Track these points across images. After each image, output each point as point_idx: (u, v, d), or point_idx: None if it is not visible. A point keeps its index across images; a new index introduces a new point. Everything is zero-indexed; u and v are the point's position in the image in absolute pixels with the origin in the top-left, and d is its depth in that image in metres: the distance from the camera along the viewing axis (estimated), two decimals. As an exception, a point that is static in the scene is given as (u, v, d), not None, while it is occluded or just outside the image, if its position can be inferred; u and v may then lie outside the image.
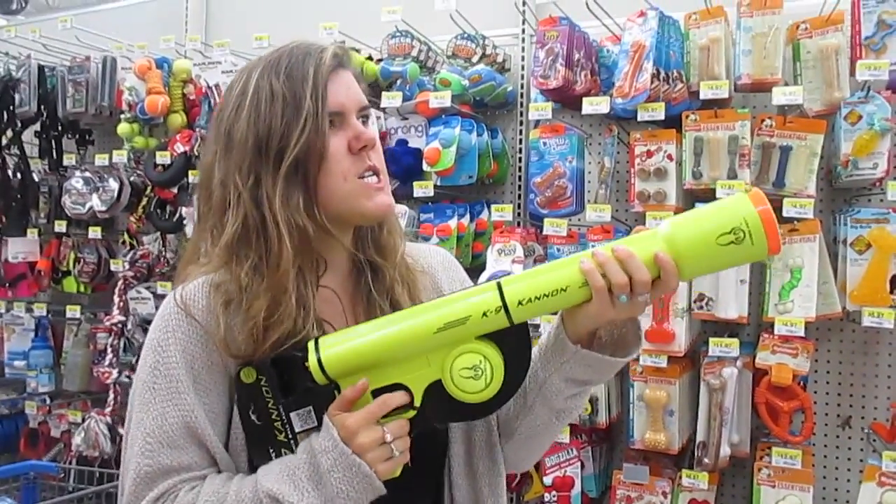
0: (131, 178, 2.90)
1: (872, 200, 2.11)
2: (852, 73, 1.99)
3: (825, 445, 2.22)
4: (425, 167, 2.44)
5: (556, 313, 0.99)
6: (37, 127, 3.10)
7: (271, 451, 0.95)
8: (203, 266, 1.01)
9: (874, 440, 2.13)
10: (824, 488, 2.20)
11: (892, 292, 1.95)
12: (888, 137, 1.94)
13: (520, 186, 2.57)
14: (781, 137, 2.04)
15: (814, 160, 2.02)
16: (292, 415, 0.95)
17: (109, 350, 2.76)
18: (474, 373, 0.92)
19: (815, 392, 2.21)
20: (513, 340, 0.94)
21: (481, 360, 0.92)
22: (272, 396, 0.95)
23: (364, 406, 0.91)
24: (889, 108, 1.94)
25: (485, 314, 0.91)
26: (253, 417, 0.96)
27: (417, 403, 0.93)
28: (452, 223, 2.46)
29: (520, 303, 0.91)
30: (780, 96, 2.00)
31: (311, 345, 0.94)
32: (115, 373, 2.75)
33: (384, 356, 0.93)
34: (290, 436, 0.95)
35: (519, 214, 2.53)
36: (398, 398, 0.92)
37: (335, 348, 0.93)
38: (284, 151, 0.94)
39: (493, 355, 0.92)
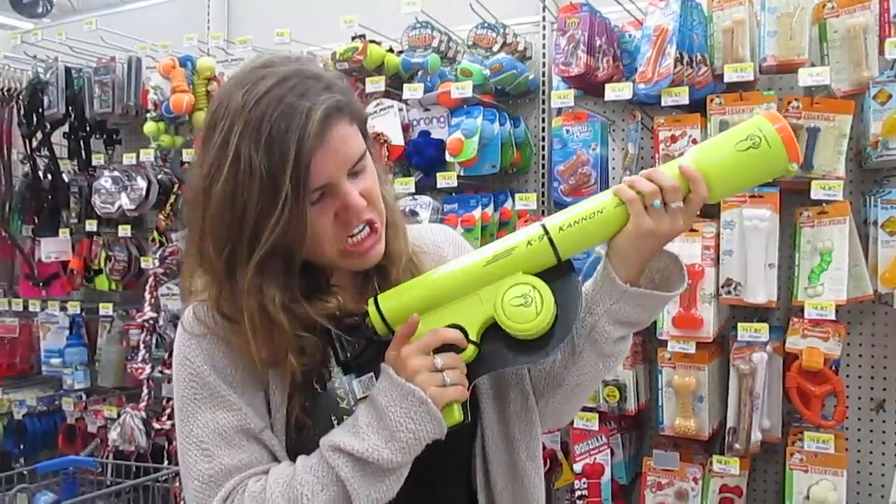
0: (159, 177, 2.94)
1: (903, 181, 2.08)
2: (881, 52, 1.96)
3: (858, 429, 2.20)
4: (448, 158, 2.44)
5: (600, 249, 1.01)
6: (65, 128, 3.15)
7: (334, 419, 0.96)
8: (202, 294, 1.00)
9: (908, 423, 2.11)
10: (858, 472, 2.18)
11: (924, 274, 1.92)
12: (919, 117, 1.90)
13: (543, 175, 2.56)
14: (809, 119, 2.01)
15: (842, 141, 1.99)
16: (354, 382, 0.96)
17: (142, 346, 2.81)
18: (524, 300, 0.93)
19: (847, 376, 2.19)
20: (560, 277, 0.96)
21: (530, 290, 0.93)
22: (335, 363, 0.97)
23: None
24: (919, 87, 1.91)
25: (529, 243, 0.95)
26: (317, 387, 0.97)
27: (473, 337, 0.94)
28: (476, 213, 2.46)
29: (561, 228, 0.95)
30: (806, 77, 1.98)
31: (370, 301, 0.97)
32: (147, 368, 2.80)
33: (439, 297, 0.96)
34: (353, 403, 0.97)
35: (543, 203, 2.53)
36: (451, 333, 0.93)
37: (392, 300, 0.97)
38: (258, 239, 0.89)
39: (542, 286, 0.94)
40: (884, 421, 2.18)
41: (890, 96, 1.92)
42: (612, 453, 2.31)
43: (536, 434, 1.09)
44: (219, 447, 0.93)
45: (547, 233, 0.95)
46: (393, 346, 0.93)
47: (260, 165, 0.86)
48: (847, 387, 2.14)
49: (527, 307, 0.93)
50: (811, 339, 2.01)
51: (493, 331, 0.95)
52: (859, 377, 2.20)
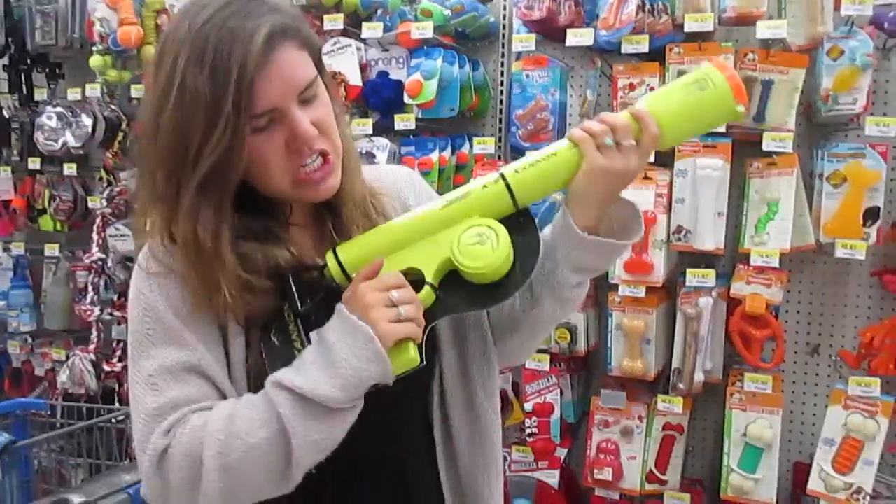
0: (105, 113, 2.82)
1: (849, 136, 2.14)
2: (836, 8, 1.99)
3: (794, 372, 2.32)
4: (406, 100, 2.41)
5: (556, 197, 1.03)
6: (5, 61, 2.99)
7: None
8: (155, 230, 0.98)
9: (841, 367, 2.23)
10: (792, 412, 2.31)
11: (864, 225, 2.00)
12: (869, 73, 1.96)
13: (501, 119, 2.56)
14: (763, 72, 2.05)
15: (795, 95, 2.04)
16: (311, 334, 0.94)
17: (90, 288, 2.75)
18: (479, 239, 0.93)
19: (787, 321, 2.30)
20: (518, 223, 0.97)
21: (486, 229, 0.94)
22: (292, 311, 0.96)
23: None
24: (871, 44, 1.95)
25: (485, 186, 0.96)
26: (274, 340, 0.96)
27: (430, 279, 0.94)
28: (434, 156, 2.45)
29: (516, 171, 0.96)
30: (764, 30, 2.01)
31: (328, 253, 0.97)
32: (96, 310, 2.75)
33: (397, 244, 0.96)
34: None
35: (500, 148, 2.53)
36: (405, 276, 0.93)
37: (351, 249, 0.97)
38: (198, 161, 0.88)
39: (498, 226, 0.94)
40: (818, 364, 2.30)
41: (843, 52, 1.97)
42: (562, 393, 2.39)
43: (493, 373, 1.11)
44: (167, 382, 0.92)
45: (503, 177, 0.96)
46: (351, 286, 0.94)
47: (203, 89, 0.86)
48: (785, 331, 2.24)
49: (482, 245, 0.93)
50: (755, 286, 2.09)
51: (451, 276, 0.96)
52: (797, 322, 2.31)
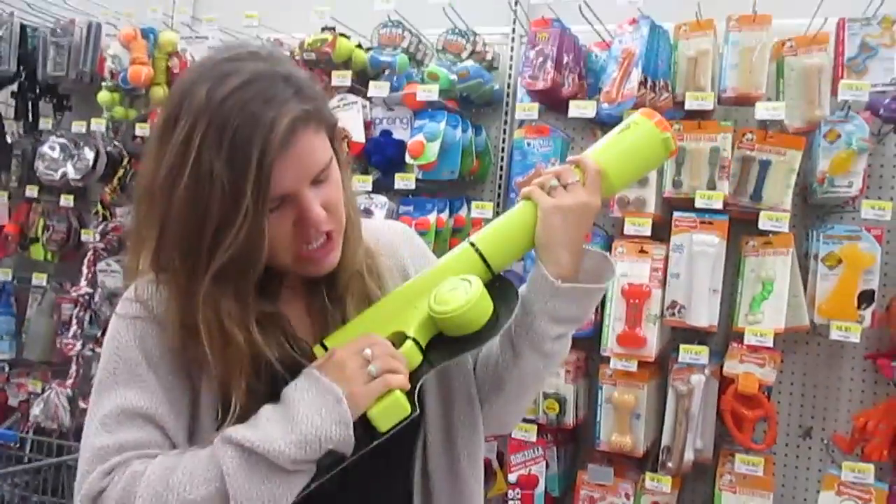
0: (108, 149, 2.84)
1: (845, 218, 2.16)
2: (833, 93, 2.04)
3: (786, 454, 2.27)
4: (408, 160, 2.43)
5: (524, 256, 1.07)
6: (14, 87, 3.02)
7: None
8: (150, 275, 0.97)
9: (833, 451, 2.18)
10: (782, 496, 2.25)
11: (859, 308, 1.99)
12: (864, 157, 1.99)
13: (500, 185, 2.58)
14: (761, 152, 2.08)
15: (791, 176, 2.06)
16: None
17: (74, 321, 2.71)
18: (453, 286, 0.95)
19: (780, 402, 2.26)
20: (493, 284, 0.99)
21: (460, 280, 0.95)
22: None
23: None
24: (867, 129, 2.00)
25: (454, 254, 1.01)
26: None
27: (410, 333, 0.94)
28: (431, 217, 2.46)
29: (482, 237, 1.01)
30: (762, 111, 2.05)
31: (317, 347, 0.96)
32: (78, 345, 2.70)
33: (383, 319, 0.96)
34: None
35: (498, 213, 2.54)
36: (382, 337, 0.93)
37: (339, 338, 0.96)
38: (217, 250, 0.86)
39: (472, 277, 0.96)
40: (810, 447, 2.25)
41: (839, 136, 2.00)
42: (547, 465, 2.32)
43: (479, 440, 1.09)
44: (119, 424, 0.89)
45: (472, 244, 1.00)
46: (326, 354, 0.92)
47: (221, 174, 0.84)
48: (777, 412, 2.20)
49: (455, 291, 0.94)
50: (748, 365, 2.06)
51: (429, 324, 0.96)
52: (790, 404, 2.27)
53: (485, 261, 0.99)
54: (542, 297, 0.99)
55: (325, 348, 0.95)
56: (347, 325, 0.98)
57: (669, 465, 2.12)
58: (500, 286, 0.99)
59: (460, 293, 0.93)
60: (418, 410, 0.91)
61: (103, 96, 2.75)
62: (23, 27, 2.93)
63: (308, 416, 0.84)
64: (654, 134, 1.01)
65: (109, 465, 0.87)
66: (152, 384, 0.91)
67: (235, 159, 0.84)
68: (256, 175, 0.84)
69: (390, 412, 0.88)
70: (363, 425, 0.88)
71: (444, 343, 0.96)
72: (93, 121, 2.82)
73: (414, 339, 0.94)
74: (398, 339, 0.94)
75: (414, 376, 0.92)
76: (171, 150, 0.87)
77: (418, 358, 0.94)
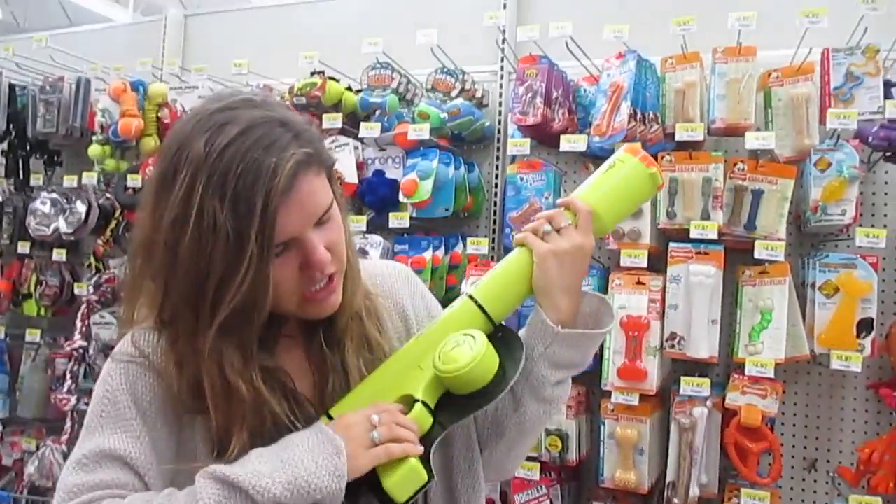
0: (100, 201, 2.84)
1: (840, 246, 2.16)
2: (822, 122, 2.05)
3: (791, 488, 2.23)
4: (401, 198, 2.43)
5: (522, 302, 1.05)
6: (4, 146, 3.04)
7: None
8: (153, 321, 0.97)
9: (839, 483, 2.15)
10: (791, 531, 2.21)
11: (858, 336, 1.98)
12: (856, 185, 1.99)
13: (495, 221, 2.58)
14: (753, 181, 2.08)
15: (784, 204, 2.06)
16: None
17: (68, 376, 2.69)
18: (457, 344, 0.93)
19: (783, 434, 2.23)
20: (496, 334, 0.99)
21: (462, 336, 0.95)
22: None
23: None
24: (857, 157, 2.00)
25: (454, 309, 1.00)
26: None
27: (419, 396, 0.93)
28: (427, 255, 2.45)
29: (479, 288, 1.00)
30: (752, 141, 2.05)
31: (323, 417, 0.94)
32: (73, 399, 2.67)
33: (387, 384, 0.95)
34: None
35: (494, 248, 2.54)
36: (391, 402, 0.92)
37: (343, 408, 0.95)
38: (221, 302, 0.86)
39: (476, 332, 0.95)
40: (815, 481, 2.22)
41: (829, 164, 2.01)
42: (552, 504, 2.29)
43: (480, 488, 1.08)
44: (98, 465, 0.89)
45: (470, 297, 0.99)
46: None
47: (225, 222, 0.83)
48: (782, 445, 2.17)
49: (459, 348, 0.93)
50: (750, 396, 2.04)
51: (444, 397, 0.95)
52: (794, 435, 2.24)
53: (485, 312, 0.98)
54: (542, 342, 0.99)
55: (331, 418, 0.93)
56: (352, 392, 0.96)
57: (675, 500, 2.08)
58: (503, 336, 0.98)
59: (465, 350, 0.92)
60: (434, 478, 0.89)
61: (94, 150, 2.76)
62: (11, 86, 2.95)
63: (303, 461, 0.83)
64: (641, 170, 1.02)
65: (80, 501, 0.86)
66: (139, 430, 0.91)
67: (239, 207, 0.84)
68: (261, 221, 0.84)
69: (407, 482, 0.87)
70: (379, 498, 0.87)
71: (453, 402, 0.95)
72: (84, 174, 2.83)
73: (423, 402, 0.92)
74: (407, 403, 0.93)
75: (427, 440, 0.90)
76: (173, 204, 0.86)
77: (429, 421, 0.92)
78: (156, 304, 0.93)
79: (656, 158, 2.16)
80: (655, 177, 1.02)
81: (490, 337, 0.95)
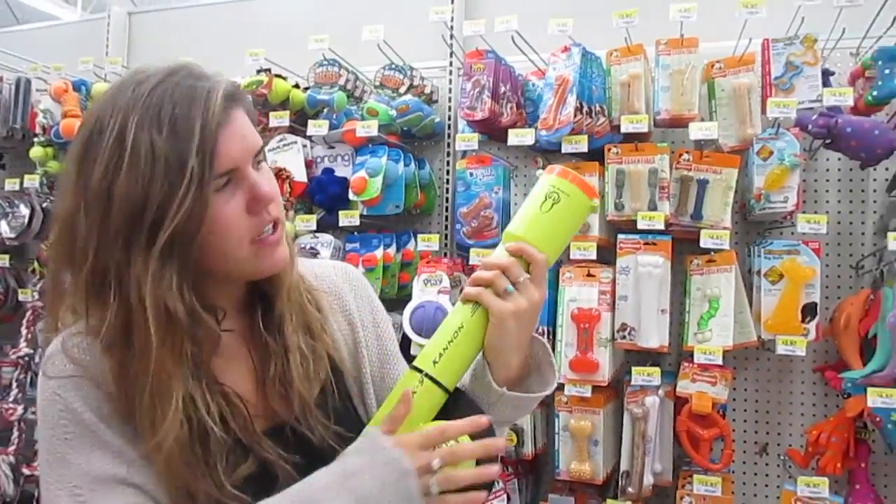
0: (44, 204, 2.78)
1: (784, 233, 2.19)
2: (763, 111, 2.08)
3: (744, 472, 2.27)
4: (351, 196, 2.41)
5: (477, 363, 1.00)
6: (-56, 150, 2.96)
7: None
8: (82, 325, 0.90)
9: (790, 466, 2.19)
10: (743, 515, 2.25)
11: (803, 321, 2.01)
12: (797, 172, 2.02)
13: (446, 217, 2.57)
14: (699, 171, 2.10)
15: (729, 193, 2.08)
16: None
17: (15, 385, 2.62)
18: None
19: (734, 420, 2.26)
20: (455, 403, 0.94)
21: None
22: None
23: None
24: (798, 145, 2.03)
25: (414, 391, 0.92)
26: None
27: None
28: (379, 253, 2.43)
29: (434, 362, 0.93)
30: (696, 131, 2.07)
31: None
32: (20, 409, 2.61)
33: None
34: None
35: (446, 245, 2.53)
36: (458, 426, 0.89)
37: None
38: (161, 224, 0.82)
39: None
40: (767, 464, 2.25)
41: (771, 152, 2.03)
42: (509, 499, 2.29)
43: None
44: (94, 493, 0.83)
45: (426, 375, 0.93)
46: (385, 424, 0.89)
47: (163, 149, 0.81)
48: (733, 430, 2.20)
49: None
50: (700, 384, 2.06)
51: None
52: (745, 421, 2.28)
53: (441, 387, 0.93)
54: (485, 402, 0.97)
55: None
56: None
57: (630, 490, 2.10)
58: (457, 404, 0.94)
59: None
60: None
61: (36, 152, 2.70)
62: (-52, 87, 2.86)
63: (371, 493, 0.82)
64: (586, 204, 0.98)
65: None
66: (114, 442, 0.86)
67: (177, 130, 0.82)
68: (200, 142, 0.82)
69: None
70: None
71: None
72: (26, 177, 2.76)
73: None
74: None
75: None
76: (104, 152, 0.82)
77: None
78: (84, 286, 0.86)
79: (603, 152, 2.18)
80: (596, 207, 1.00)
81: (447, 409, 0.93)
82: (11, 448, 2.62)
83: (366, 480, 0.82)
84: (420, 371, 0.93)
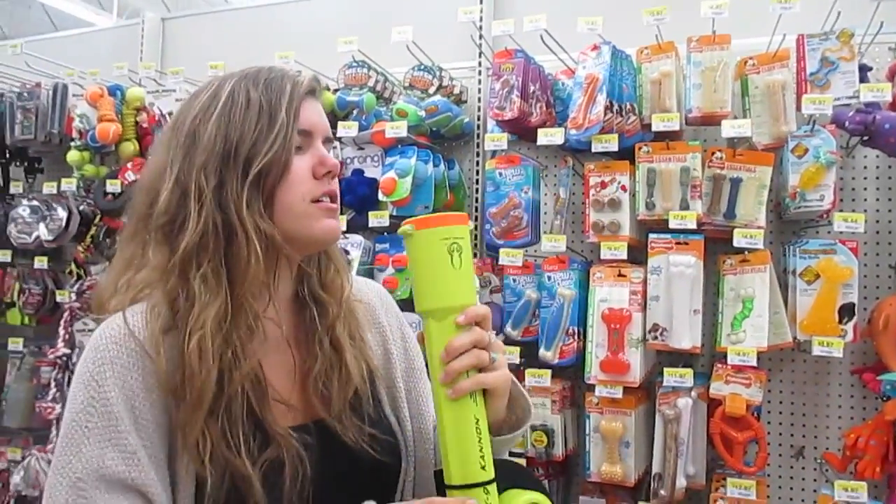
0: (80, 207, 2.84)
1: (820, 232, 2.15)
2: (798, 108, 2.04)
3: (779, 476, 2.23)
4: (381, 197, 2.42)
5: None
6: (-17, 155, 3.02)
7: None
8: (133, 291, 0.94)
9: (826, 470, 2.14)
10: (779, 519, 2.21)
11: (840, 322, 1.97)
12: (834, 170, 1.98)
13: (476, 217, 2.56)
14: (731, 170, 2.07)
15: (763, 192, 2.05)
16: None
17: (53, 384, 2.67)
18: None
19: (769, 422, 2.22)
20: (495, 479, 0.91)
21: None
22: None
23: None
24: (834, 142, 1.99)
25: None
26: None
27: None
28: (408, 254, 2.43)
29: (482, 467, 0.89)
30: (729, 129, 2.04)
31: None
32: (58, 408, 2.65)
33: None
34: None
35: (475, 245, 2.53)
36: None
37: None
38: (253, 159, 0.92)
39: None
40: (803, 468, 2.21)
41: (807, 150, 2.00)
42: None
43: None
44: (97, 490, 0.84)
45: (485, 483, 0.90)
46: None
47: (259, 96, 0.93)
48: (768, 433, 2.17)
49: None
50: (734, 385, 2.03)
51: None
52: (780, 423, 2.24)
53: (481, 485, 0.89)
54: None
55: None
56: None
57: (662, 492, 2.07)
58: (502, 474, 0.92)
59: None
60: None
61: (73, 156, 2.75)
62: (-11, 94, 2.93)
63: None
64: (468, 232, 0.93)
65: None
66: (133, 443, 0.86)
67: (272, 87, 0.95)
68: (289, 101, 0.94)
69: None
70: None
71: None
72: (63, 181, 2.81)
73: None
74: None
75: None
76: (196, 106, 0.96)
77: None
78: (164, 223, 0.93)
79: (634, 151, 2.16)
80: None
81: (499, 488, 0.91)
82: (50, 446, 2.67)
83: None
84: (479, 485, 0.89)
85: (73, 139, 2.76)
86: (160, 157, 0.97)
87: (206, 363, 0.88)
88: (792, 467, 2.22)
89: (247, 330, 0.92)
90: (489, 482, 0.89)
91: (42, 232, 2.78)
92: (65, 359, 2.69)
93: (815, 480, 2.19)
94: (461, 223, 0.92)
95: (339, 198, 1.01)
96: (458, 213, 0.98)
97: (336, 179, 1.00)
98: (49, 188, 2.85)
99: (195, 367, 0.88)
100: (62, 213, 2.78)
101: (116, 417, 0.86)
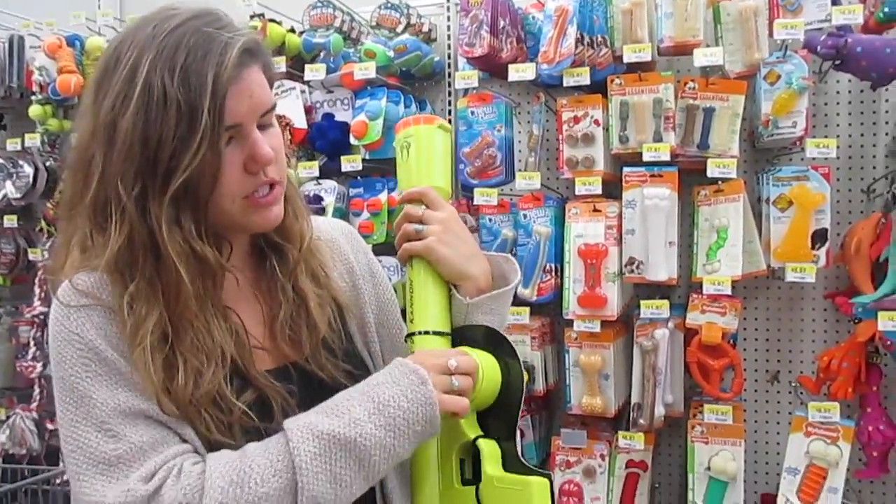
0: (47, 163, 2.77)
1: (793, 159, 2.15)
2: (770, 34, 2.01)
3: (755, 401, 2.28)
4: (353, 141, 2.39)
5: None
6: (-59, 112, 2.94)
7: None
8: (91, 261, 0.90)
9: (801, 393, 2.19)
10: (755, 441, 2.27)
11: (813, 248, 1.99)
12: (806, 96, 1.97)
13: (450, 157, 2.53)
14: (704, 99, 2.05)
15: (736, 121, 2.04)
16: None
17: (32, 343, 2.66)
18: None
19: (745, 349, 2.26)
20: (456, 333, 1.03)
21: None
22: None
23: None
24: (806, 67, 1.97)
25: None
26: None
27: (472, 436, 0.96)
28: (383, 197, 2.42)
29: (411, 321, 1.01)
30: (701, 58, 2.02)
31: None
32: (39, 366, 2.65)
33: None
34: None
35: (452, 185, 2.50)
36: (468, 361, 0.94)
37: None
38: (174, 171, 0.83)
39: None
40: (778, 392, 2.26)
41: (779, 77, 1.98)
42: (523, 435, 2.32)
43: None
44: (124, 426, 0.83)
45: (419, 333, 1.00)
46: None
47: (176, 94, 0.82)
48: (744, 360, 2.21)
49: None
50: (710, 315, 2.06)
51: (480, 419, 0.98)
52: (755, 350, 2.28)
53: (437, 333, 1.00)
54: (459, 316, 1.03)
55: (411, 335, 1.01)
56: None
57: (641, 421, 2.12)
58: (473, 335, 1.01)
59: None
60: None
61: (35, 110, 2.67)
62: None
63: (394, 398, 0.86)
64: (431, 130, 1.06)
65: (147, 471, 0.82)
66: (137, 379, 0.85)
67: (189, 78, 0.83)
68: (212, 97, 0.83)
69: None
70: None
71: (492, 414, 0.97)
72: (27, 136, 2.74)
73: (479, 437, 0.95)
74: (466, 449, 0.96)
75: (514, 463, 0.94)
76: (115, 85, 0.84)
77: (496, 448, 0.95)
78: (94, 193, 0.87)
79: (606, 84, 2.13)
80: (444, 126, 1.06)
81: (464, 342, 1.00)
82: (34, 405, 2.67)
83: (386, 388, 0.87)
84: (417, 333, 1.00)
85: (33, 93, 2.68)
86: (85, 135, 0.88)
87: (150, 373, 0.86)
88: (767, 391, 2.27)
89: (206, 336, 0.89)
90: (410, 333, 1.01)
91: (9, 190, 2.72)
92: (42, 317, 2.67)
93: (790, 403, 2.25)
94: (413, 124, 1.07)
95: (281, 179, 0.94)
96: (427, 114, 1.05)
97: (279, 161, 0.92)
98: (13, 145, 2.77)
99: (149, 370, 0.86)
100: (29, 170, 2.72)
101: (112, 359, 0.85)
